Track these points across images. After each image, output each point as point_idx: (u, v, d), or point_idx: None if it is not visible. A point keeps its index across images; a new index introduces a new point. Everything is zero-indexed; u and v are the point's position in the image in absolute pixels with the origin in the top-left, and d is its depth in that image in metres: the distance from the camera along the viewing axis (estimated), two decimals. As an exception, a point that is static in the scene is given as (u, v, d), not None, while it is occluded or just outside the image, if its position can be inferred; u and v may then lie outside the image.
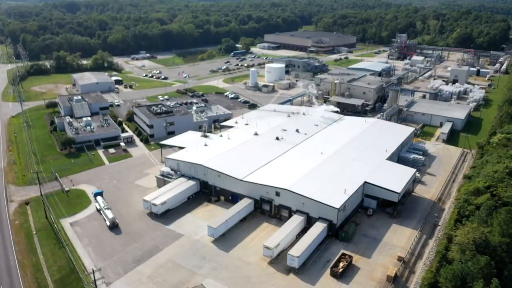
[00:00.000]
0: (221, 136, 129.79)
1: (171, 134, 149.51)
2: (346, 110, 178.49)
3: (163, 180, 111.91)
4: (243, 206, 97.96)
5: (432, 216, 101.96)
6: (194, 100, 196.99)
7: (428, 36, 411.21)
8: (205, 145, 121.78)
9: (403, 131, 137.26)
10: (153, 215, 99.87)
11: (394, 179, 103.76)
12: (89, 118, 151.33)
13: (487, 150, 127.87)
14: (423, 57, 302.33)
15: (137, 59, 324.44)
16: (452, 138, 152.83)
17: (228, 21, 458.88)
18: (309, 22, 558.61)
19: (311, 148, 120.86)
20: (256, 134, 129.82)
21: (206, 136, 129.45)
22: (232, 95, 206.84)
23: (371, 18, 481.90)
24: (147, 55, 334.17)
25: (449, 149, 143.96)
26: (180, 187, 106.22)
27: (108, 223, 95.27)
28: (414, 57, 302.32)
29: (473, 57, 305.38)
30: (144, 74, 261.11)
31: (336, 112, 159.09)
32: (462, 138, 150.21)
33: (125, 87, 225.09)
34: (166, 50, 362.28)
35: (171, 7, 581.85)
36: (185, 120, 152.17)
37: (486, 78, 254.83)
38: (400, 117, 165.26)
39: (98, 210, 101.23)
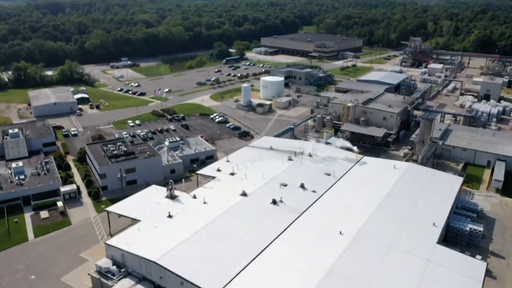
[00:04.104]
0: (194, 197, 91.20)
1: (132, 184, 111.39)
2: (362, 141, 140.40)
3: (99, 280, 73.51)
4: None
5: None
6: (172, 127, 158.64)
7: (441, 38, 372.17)
8: (169, 216, 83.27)
9: (449, 184, 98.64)
10: None
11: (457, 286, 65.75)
12: (20, 163, 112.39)
13: None
14: (442, 65, 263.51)
15: (117, 67, 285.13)
16: (506, 185, 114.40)
17: (222, 22, 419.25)
18: (310, 23, 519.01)
19: (323, 221, 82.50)
20: (244, 194, 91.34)
21: (172, 198, 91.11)
22: (220, 118, 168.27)
23: (377, 18, 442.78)
24: (129, 62, 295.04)
25: (508, 205, 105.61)
26: (122, 299, 67.96)
27: None
28: (432, 65, 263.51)
29: (500, 64, 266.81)
30: (119, 88, 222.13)
31: (348, 149, 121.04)
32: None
33: (91, 107, 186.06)
34: (151, 56, 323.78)
35: (161, 7, 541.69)
36: (151, 165, 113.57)
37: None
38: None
39: None
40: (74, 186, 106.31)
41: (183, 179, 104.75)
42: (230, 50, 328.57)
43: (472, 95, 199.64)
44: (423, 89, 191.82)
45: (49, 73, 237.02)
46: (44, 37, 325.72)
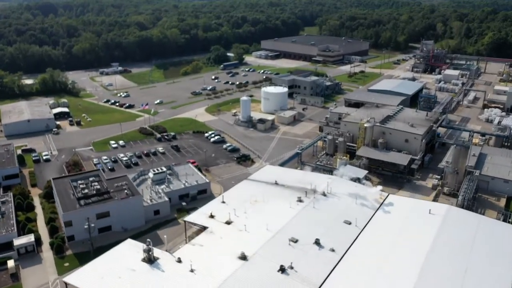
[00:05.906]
0: (179, 261, 70.56)
1: (106, 231, 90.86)
2: (382, 168, 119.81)
3: None
4: None
5: None
6: (160, 148, 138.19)
7: (452, 40, 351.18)
8: (144, 294, 62.85)
9: (503, 237, 77.97)
10: None
11: None
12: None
13: None
14: (458, 71, 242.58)
15: (107, 73, 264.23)
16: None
17: (220, 24, 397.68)
18: (312, 23, 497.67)
19: (349, 301, 62.08)
20: (243, 257, 70.66)
21: (151, 262, 70.45)
22: (216, 138, 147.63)
23: (383, 19, 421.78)
24: (119, 68, 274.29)
25: None
26: None
27: None
28: (447, 71, 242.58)
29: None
30: (105, 100, 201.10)
31: (356, 179, 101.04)
32: None
33: (71, 123, 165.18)
34: (145, 61, 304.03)
35: (157, 8, 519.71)
36: (129, 207, 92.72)
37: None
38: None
39: None
40: (32, 238, 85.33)
41: (165, 236, 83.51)
42: (228, 54, 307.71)
43: (497, 107, 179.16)
44: (444, 101, 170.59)
45: (29, 82, 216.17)
46: (29, 41, 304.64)
